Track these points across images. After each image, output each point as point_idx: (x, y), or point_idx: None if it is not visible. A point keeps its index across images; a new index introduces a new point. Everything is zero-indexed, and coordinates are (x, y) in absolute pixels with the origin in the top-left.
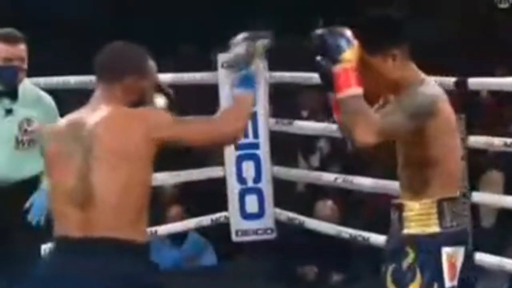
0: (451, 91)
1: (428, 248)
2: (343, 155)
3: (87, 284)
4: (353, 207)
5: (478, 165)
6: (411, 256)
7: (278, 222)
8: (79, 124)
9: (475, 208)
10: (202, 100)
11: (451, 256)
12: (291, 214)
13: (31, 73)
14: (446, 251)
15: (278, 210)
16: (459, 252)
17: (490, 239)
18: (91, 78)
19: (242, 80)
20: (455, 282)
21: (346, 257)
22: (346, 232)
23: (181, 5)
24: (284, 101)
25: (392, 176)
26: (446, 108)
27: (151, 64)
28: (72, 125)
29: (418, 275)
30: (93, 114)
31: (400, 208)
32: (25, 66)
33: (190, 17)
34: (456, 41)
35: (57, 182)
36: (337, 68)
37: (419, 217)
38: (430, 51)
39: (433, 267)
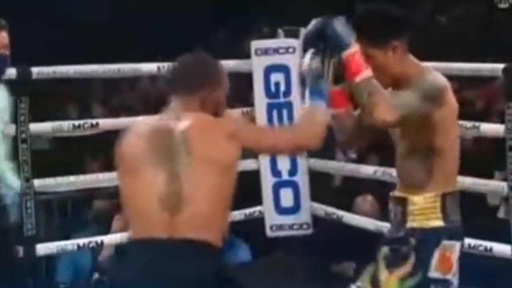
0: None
1: (429, 239)
2: (382, 147)
3: (173, 284)
4: None
5: None
6: (412, 244)
7: (314, 217)
8: (166, 130)
9: None
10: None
11: (446, 249)
12: (329, 209)
13: None
14: (443, 244)
15: (314, 204)
16: (456, 247)
17: None
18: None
19: (314, 92)
20: (451, 276)
21: None
22: (387, 227)
23: None
24: None
25: None
26: (451, 98)
27: (224, 74)
28: (158, 130)
29: (411, 260)
30: (180, 121)
31: (404, 202)
32: (8, 53)
33: (222, 5)
34: (455, 41)
35: (143, 185)
36: (349, 53)
37: (423, 211)
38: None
39: (426, 257)
